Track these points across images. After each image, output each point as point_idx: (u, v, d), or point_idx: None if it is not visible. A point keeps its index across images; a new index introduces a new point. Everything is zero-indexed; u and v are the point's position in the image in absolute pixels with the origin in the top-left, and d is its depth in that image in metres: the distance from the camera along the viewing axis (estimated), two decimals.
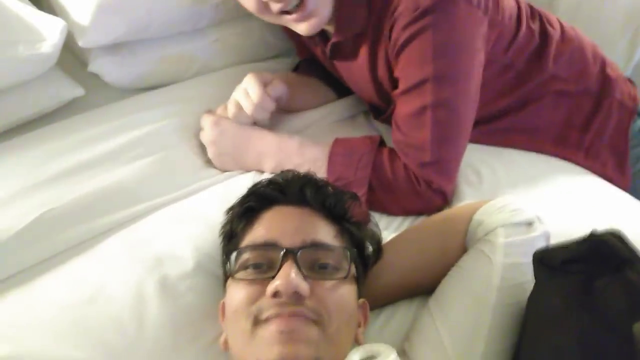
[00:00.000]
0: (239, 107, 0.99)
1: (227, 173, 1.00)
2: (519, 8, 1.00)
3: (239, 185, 0.93)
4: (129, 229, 0.88)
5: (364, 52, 0.97)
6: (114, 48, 1.06)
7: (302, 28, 0.91)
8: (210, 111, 1.04)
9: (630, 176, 1.09)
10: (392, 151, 0.95)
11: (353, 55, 0.99)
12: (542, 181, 1.00)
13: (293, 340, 0.64)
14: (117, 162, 0.94)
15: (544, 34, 1.02)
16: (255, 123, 1.02)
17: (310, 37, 1.03)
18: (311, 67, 1.15)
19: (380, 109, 1.06)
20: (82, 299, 0.78)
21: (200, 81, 1.14)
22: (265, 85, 1.00)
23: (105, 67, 1.06)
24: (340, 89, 1.15)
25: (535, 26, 1.01)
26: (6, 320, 0.75)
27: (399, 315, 0.82)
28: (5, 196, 0.85)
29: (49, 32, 0.95)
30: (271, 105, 1.00)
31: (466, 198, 0.95)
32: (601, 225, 0.70)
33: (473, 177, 1.00)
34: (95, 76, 1.07)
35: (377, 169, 0.93)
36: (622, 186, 1.06)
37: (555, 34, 1.03)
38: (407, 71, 0.91)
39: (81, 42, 1.01)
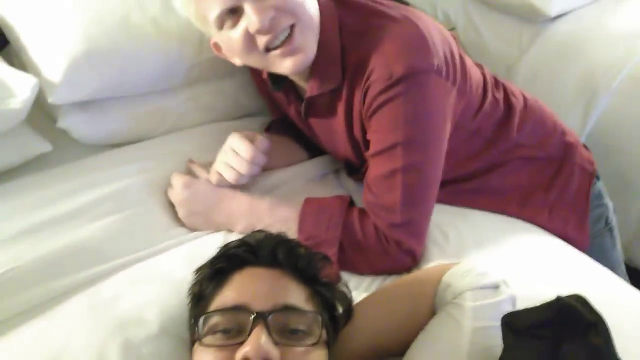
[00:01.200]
0: (229, 168, 0.99)
1: (195, 232, 0.99)
2: (484, 78, 1.05)
3: (206, 245, 0.93)
4: (92, 290, 0.86)
5: (340, 110, 0.99)
6: (84, 104, 1.07)
7: (288, 64, 0.91)
8: (186, 168, 1.04)
9: (588, 236, 1.13)
10: (362, 211, 0.96)
11: (329, 112, 1.01)
12: (505, 242, 1.02)
13: None
14: (83, 219, 0.93)
15: (508, 104, 1.07)
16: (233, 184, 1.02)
17: (285, 95, 1.05)
18: (283, 127, 1.17)
19: (355, 166, 1.08)
20: None
21: (171, 138, 1.15)
22: (250, 141, 1.00)
23: (74, 124, 1.06)
24: (312, 149, 1.17)
25: (500, 95, 1.07)
26: None
27: None
28: None
29: (19, 88, 0.95)
30: (263, 159, 1.01)
31: (433, 258, 0.97)
32: (563, 287, 0.72)
33: (439, 237, 1.01)
34: (64, 132, 1.07)
35: (347, 228, 0.94)
36: (581, 245, 1.09)
37: (518, 103, 1.08)
38: (379, 135, 0.94)
39: (51, 99, 1.01)
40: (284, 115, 1.16)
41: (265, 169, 1.11)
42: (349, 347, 0.78)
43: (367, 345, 0.80)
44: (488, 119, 1.04)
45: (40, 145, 1.03)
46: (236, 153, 0.99)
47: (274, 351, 0.64)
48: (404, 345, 0.78)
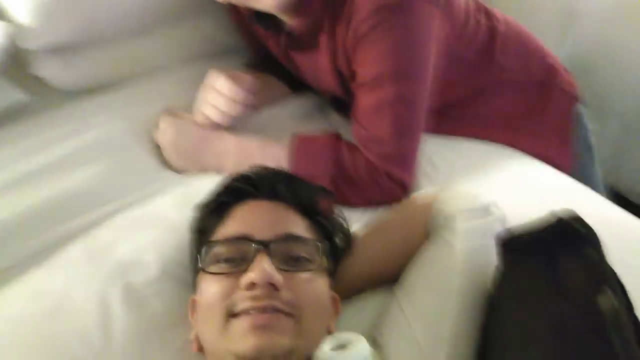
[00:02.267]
0: (214, 109, 0.97)
1: (182, 175, 0.98)
2: (466, 2, 1.04)
3: (197, 186, 0.91)
4: (87, 237, 0.85)
5: (323, 42, 0.97)
6: (58, 50, 1.03)
7: (269, 1, 0.89)
8: (168, 110, 1.02)
9: (571, 157, 1.16)
10: (351, 144, 0.96)
11: (312, 45, 0.99)
12: (493, 169, 1.04)
13: (267, 332, 0.64)
14: (69, 168, 0.91)
15: (491, 27, 1.06)
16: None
17: (265, 29, 1.02)
18: (264, 64, 1.14)
19: (340, 100, 1.07)
20: (44, 312, 0.75)
21: (150, 81, 1.12)
22: (234, 79, 0.98)
23: (49, 70, 1.02)
24: (295, 85, 1.15)
25: (482, 19, 1.05)
26: None
27: (367, 305, 0.83)
28: None
29: None
30: (249, 98, 0.98)
31: (423, 188, 0.98)
32: (551, 207, 0.74)
33: (428, 167, 1.03)
34: (39, 81, 1.03)
35: (338, 162, 0.94)
36: (563, 167, 1.12)
37: (500, 26, 1.07)
38: (365, 66, 0.92)
39: (24, 44, 0.96)
40: (264, 51, 1.13)
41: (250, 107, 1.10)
42: (347, 275, 0.80)
43: (364, 273, 0.82)
44: (471, 43, 1.04)
45: (17, 95, 0.99)
46: (221, 93, 0.97)
47: (277, 275, 0.66)
48: (399, 271, 0.80)
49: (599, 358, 0.59)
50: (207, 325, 0.69)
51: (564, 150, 1.15)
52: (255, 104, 1.03)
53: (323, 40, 0.97)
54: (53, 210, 0.86)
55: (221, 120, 0.98)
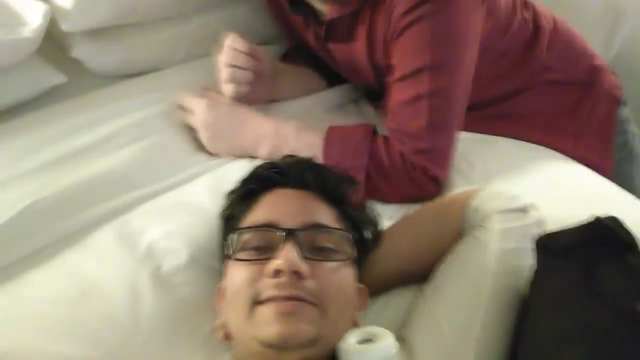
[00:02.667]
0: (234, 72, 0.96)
1: (216, 161, 0.97)
2: None
3: (230, 171, 0.91)
4: (120, 220, 0.85)
5: (361, 34, 0.96)
6: (97, 33, 1.03)
7: None
8: (202, 93, 1.01)
9: (613, 162, 1.12)
10: (387, 138, 0.95)
11: (349, 37, 0.98)
12: (531, 170, 1.01)
13: (292, 319, 0.64)
14: (103, 151, 0.92)
15: (537, 24, 1.03)
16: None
17: (303, 19, 1.01)
18: (299, 55, 1.14)
19: (376, 93, 1.06)
20: (75, 294, 0.76)
21: (186, 68, 1.12)
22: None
23: (88, 53, 1.03)
24: (330, 77, 1.14)
25: (529, 16, 1.03)
26: None
27: (395, 302, 0.82)
28: None
29: (30, 16, 0.92)
30: (262, 53, 0.98)
31: (458, 187, 0.96)
32: (589, 211, 0.72)
33: (464, 166, 1.00)
34: (77, 64, 1.04)
35: (373, 155, 0.92)
36: (605, 171, 1.08)
37: (547, 24, 1.04)
38: (404, 59, 0.91)
39: (64, 26, 0.98)
40: (300, 42, 1.12)
41: (283, 98, 1.09)
42: (376, 271, 0.79)
43: (394, 270, 0.81)
44: (516, 40, 1.01)
45: (55, 77, 1.00)
46: (231, 47, 0.96)
47: (303, 264, 0.66)
48: (430, 269, 0.79)
49: None
50: (233, 312, 0.69)
51: (606, 153, 1.11)
52: (287, 94, 1.02)
53: (361, 31, 0.95)
54: (87, 192, 0.86)
55: (239, 77, 0.97)
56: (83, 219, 0.84)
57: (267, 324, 0.64)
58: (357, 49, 0.99)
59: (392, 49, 0.92)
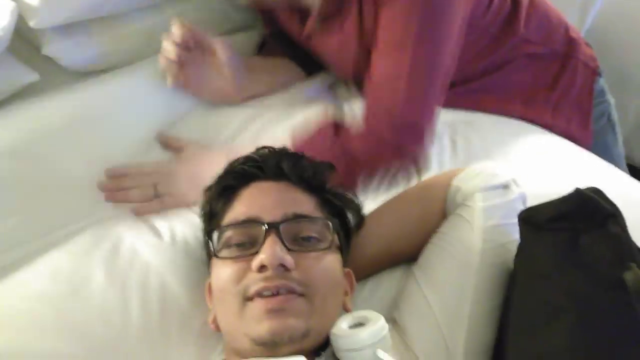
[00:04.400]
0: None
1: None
2: None
3: None
4: (104, 221, 0.85)
5: (350, 23, 0.95)
6: (68, 29, 1.01)
7: None
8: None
9: (592, 133, 1.13)
10: (348, 130, 0.93)
11: (338, 26, 0.97)
12: (513, 146, 1.03)
13: (282, 315, 0.64)
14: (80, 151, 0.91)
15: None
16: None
17: (289, 12, 1.00)
18: (277, 44, 1.12)
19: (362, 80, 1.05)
20: (64, 292, 0.75)
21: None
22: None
23: (60, 50, 1.01)
24: (309, 65, 1.13)
25: None
26: None
27: (384, 284, 0.82)
28: None
29: None
30: (218, 44, 0.97)
31: (443, 165, 0.96)
32: (573, 184, 0.73)
33: (445, 142, 1.01)
34: (50, 61, 1.02)
35: (346, 152, 0.90)
36: (584, 143, 1.10)
37: None
38: (387, 28, 0.89)
39: (32, 23, 0.95)
40: (278, 29, 1.11)
41: (262, 93, 1.07)
42: (363, 254, 0.80)
43: (381, 252, 0.81)
44: (497, 16, 1.01)
45: (28, 75, 0.98)
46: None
47: (287, 257, 0.66)
48: (416, 250, 0.80)
49: (625, 332, 0.58)
50: (222, 310, 0.69)
51: (586, 125, 1.13)
52: (266, 86, 1.02)
53: (351, 20, 0.94)
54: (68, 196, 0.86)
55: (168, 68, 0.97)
56: (72, 226, 0.84)
57: (258, 321, 0.64)
58: (346, 37, 0.97)
59: (379, 17, 0.90)
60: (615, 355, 0.57)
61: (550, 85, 1.09)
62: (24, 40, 1.03)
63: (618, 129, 1.20)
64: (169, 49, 0.96)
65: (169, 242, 0.82)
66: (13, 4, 0.91)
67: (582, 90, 1.11)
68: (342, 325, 0.66)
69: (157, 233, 0.83)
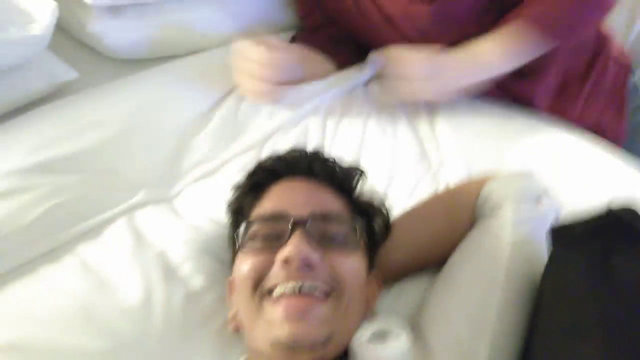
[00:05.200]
0: (251, 79, 0.96)
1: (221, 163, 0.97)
2: None
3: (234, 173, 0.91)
4: (133, 216, 0.87)
5: None
6: (117, 10, 1.03)
7: None
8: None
9: (625, 128, 1.11)
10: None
11: None
12: (542, 148, 1.02)
13: (303, 320, 0.62)
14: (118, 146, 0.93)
15: None
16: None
17: None
18: (309, 39, 1.12)
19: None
20: (89, 288, 0.77)
21: (202, 54, 1.12)
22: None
23: (105, 29, 1.03)
24: (340, 60, 1.13)
25: None
26: (11, 310, 0.74)
27: (408, 290, 0.81)
28: (11, 182, 0.83)
29: (39, 13, 0.92)
30: (286, 60, 0.97)
31: (470, 169, 0.96)
32: (605, 193, 0.70)
33: (478, 145, 1.01)
34: (89, 60, 1.04)
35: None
36: (617, 137, 1.08)
37: None
38: None
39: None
40: (317, 24, 1.11)
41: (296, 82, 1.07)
42: (388, 261, 0.78)
43: (407, 259, 0.80)
44: None
45: (66, 73, 1.00)
46: (254, 60, 0.95)
47: (313, 253, 0.65)
48: (443, 258, 0.78)
49: None
50: (242, 303, 0.68)
51: (619, 120, 1.11)
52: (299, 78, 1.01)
53: None
54: (102, 191, 0.88)
55: (264, 90, 0.96)
56: (99, 217, 0.85)
57: (277, 324, 0.63)
58: None
59: None
60: None
61: (581, 77, 1.08)
62: (65, 38, 1.06)
63: None
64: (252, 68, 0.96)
65: (195, 238, 0.82)
66: (54, 3, 0.93)
67: (614, 84, 1.10)
68: (363, 337, 0.65)
69: (184, 229, 0.84)
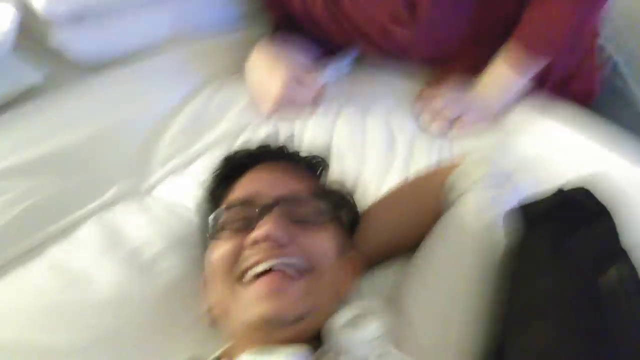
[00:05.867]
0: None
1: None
2: None
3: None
4: (101, 215, 0.87)
5: None
6: (77, 20, 1.02)
7: None
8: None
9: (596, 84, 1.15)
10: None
11: None
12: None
13: (278, 295, 0.63)
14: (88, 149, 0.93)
15: None
16: None
17: None
18: (282, 31, 1.13)
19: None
20: (61, 286, 0.77)
21: (161, 54, 1.12)
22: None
23: (68, 41, 1.02)
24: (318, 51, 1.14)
25: None
26: None
27: (380, 277, 0.82)
28: None
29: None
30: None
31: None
32: (572, 171, 0.71)
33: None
34: (55, 61, 1.04)
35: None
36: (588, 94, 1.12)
37: None
38: None
39: (42, 10, 0.96)
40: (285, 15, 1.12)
41: None
42: (365, 248, 0.79)
43: (379, 245, 0.81)
44: None
45: (31, 76, 1.00)
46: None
47: (281, 232, 0.65)
48: (415, 244, 0.79)
49: (596, 336, 0.57)
50: (217, 292, 0.68)
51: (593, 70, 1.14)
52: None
53: None
54: (74, 192, 0.88)
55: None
56: (71, 217, 0.86)
57: (252, 304, 0.63)
58: None
59: None
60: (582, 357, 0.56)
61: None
62: (30, 39, 1.04)
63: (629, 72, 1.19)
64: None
65: (169, 233, 0.83)
66: (13, 10, 0.92)
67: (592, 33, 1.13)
68: (338, 322, 0.65)
69: (157, 224, 0.85)
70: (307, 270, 0.66)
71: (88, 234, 0.84)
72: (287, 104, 1.06)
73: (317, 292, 0.66)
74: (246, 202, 0.69)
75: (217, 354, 0.70)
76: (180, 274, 0.80)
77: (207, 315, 0.72)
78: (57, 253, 0.82)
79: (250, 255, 0.65)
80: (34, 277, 0.78)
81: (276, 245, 0.64)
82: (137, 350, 0.74)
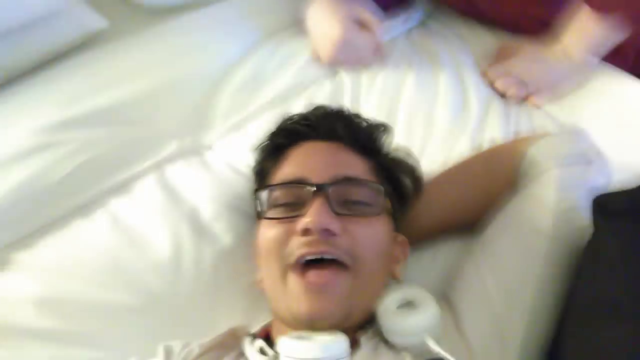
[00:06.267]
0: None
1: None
2: None
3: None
4: (161, 171, 0.86)
5: None
6: None
7: None
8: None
9: None
10: None
11: None
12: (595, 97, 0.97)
13: (323, 295, 0.62)
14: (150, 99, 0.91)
15: None
16: None
17: None
18: None
19: None
20: (120, 243, 0.78)
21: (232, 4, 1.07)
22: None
23: None
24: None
25: None
26: (43, 265, 0.76)
27: (443, 256, 0.79)
28: (41, 139, 0.83)
29: None
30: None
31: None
32: None
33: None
34: (119, 8, 1.02)
35: None
36: None
37: None
38: None
39: None
40: None
41: None
42: (420, 221, 0.76)
43: (439, 220, 0.78)
44: None
45: (97, 22, 0.98)
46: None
47: (334, 222, 0.63)
48: (477, 220, 0.74)
49: None
50: (267, 273, 0.68)
51: None
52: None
53: None
54: (134, 144, 0.87)
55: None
56: (130, 171, 0.86)
57: (297, 298, 0.62)
58: None
59: None
60: None
61: None
62: None
63: None
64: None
65: (226, 193, 0.82)
66: None
67: None
68: (391, 304, 0.64)
69: (215, 184, 0.83)
70: (355, 263, 0.64)
71: (148, 190, 0.84)
72: (348, 50, 1.00)
73: (364, 283, 0.64)
74: (299, 181, 0.67)
75: (258, 328, 0.70)
76: (237, 236, 0.79)
77: (260, 284, 0.71)
78: (117, 207, 0.82)
79: (300, 245, 0.63)
80: (95, 232, 0.80)
81: (327, 236, 0.63)
82: (192, 311, 0.75)
